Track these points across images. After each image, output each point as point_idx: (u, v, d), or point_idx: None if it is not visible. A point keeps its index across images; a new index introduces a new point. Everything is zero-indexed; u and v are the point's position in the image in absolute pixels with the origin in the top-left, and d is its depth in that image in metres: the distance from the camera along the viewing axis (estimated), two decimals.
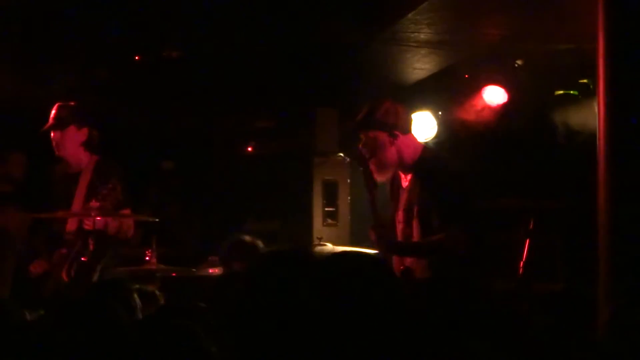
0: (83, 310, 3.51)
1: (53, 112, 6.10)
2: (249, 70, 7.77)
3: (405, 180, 5.20)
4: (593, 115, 5.14)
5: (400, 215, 5.16)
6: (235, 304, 3.28)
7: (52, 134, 6.07)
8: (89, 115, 6.19)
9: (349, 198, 8.18)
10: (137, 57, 7.49)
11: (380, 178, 5.25)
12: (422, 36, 7.17)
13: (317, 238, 6.82)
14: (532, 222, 6.77)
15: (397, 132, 5.14)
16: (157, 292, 5.57)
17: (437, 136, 8.04)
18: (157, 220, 6.28)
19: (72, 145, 6.12)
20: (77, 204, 6.05)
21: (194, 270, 6.51)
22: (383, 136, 5.15)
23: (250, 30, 7.12)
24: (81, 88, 7.38)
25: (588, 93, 7.42)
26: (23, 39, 6.93)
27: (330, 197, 8.09)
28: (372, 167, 5.20)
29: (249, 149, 8.59)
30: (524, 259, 6.76)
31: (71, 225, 6.02)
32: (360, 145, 5.26)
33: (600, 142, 4.83)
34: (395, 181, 5.29)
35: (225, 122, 8.26)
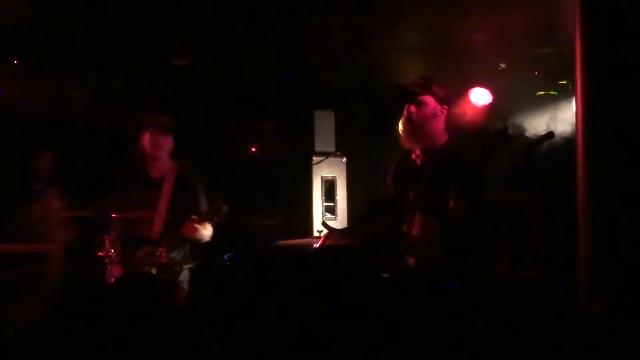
0: (112, 303, 3.64)
1: (161, 119, 6.30)
2: (252, 76, 7.95)
3: (419, 158, 5.14)
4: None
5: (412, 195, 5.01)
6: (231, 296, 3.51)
7: (155, 138, 6.26)
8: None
9: (346, 194, 8.29)
10: (150, 65, 7.64)
11: (408, 146, 5.15)
12: (413, 42, 7.40)
13: (318, 232, 7.02)
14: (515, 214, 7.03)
15: (445, 106, 5.14)
16: (183, 282, 5.93)
17: None
18: (169, 218, 6.28)
19: (167, 151, 6.36)
20: (162, 208, 6.24)
21: None
22: (435, 106, 5.13)
23: (252, 40, 7.27)
24: (99, 94, 7.59)
25: (567, 93, 7.59)
26: (47, 51, 7.15)
27: (329, 193, 8.18)
28: (408, 134, 5.10)
29: (253, 149, 8.70)
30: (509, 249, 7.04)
31: (157, 226, 6.19)
32: (412, 109, 5.11)
33: (579, 139, 5.04)
34: (406, 161, 5.22)
35: (230, 125, 8.37)
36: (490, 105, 7.91)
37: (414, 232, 5.00)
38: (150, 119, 6.35)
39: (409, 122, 5.16)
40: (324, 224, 5.39)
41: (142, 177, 6.37)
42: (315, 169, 8.21)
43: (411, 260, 5.01)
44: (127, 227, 6.19)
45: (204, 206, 6.27)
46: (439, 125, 5.16)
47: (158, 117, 6.36)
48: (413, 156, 5.22)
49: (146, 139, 6.34)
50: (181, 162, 6.45)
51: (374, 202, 5.17)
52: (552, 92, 7.93)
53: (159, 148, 6.32)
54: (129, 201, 6.22)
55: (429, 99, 5.15)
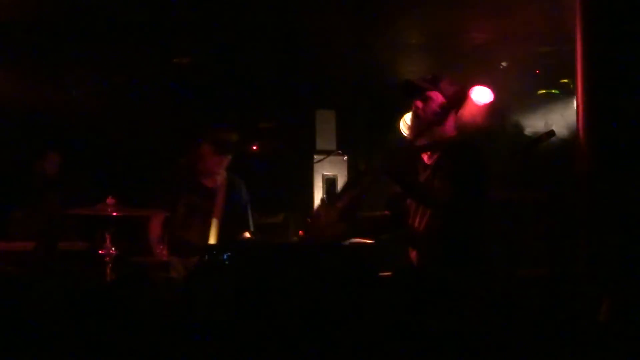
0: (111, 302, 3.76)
1: (230, 139, 6.39)
2: (254, 76, 8.02)
3: (430, 158, 5.01)
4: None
5: None
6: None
7: (220, 159, 6.37)
8: None
9: None
10: (150, 64, 7.68)
11: (417, 142, 4.99)
12: (413, 41, 7.42)
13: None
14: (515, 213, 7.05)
15: (453, 104, 4.99)
16: (181, 279, 5.92)
17: None
18: (169, 215, 6.33)
19: (225, 167, 6.45)
20: (216, 215, 6.35)
21: None
22: (442, 102, 4.99)
23: (253, 40, 7.34)
24: (100, 93, 7.64)
25: (569, 92, 7.62)
26: (49, 50, 7.19)
27: (330, 192, 8.17)
28: (414, 130, 4.98)
29: (254, 148, 8.76)
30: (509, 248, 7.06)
31: (213, 235, 6.27)
32: (418, 104, 5.00)
33: (580, 138, 5.01)
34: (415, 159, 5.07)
35: (232, 124, 7.93)
36: (492, 104, 7.86)
37: (416, 225, 4.95)
38: (218, 137, 6.42)
39: (415, 117, 5.07)
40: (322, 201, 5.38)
41: (196, 184, 6.45)
42: (316, 167, 8.28)
43: (413, 254, 4.98)
44: (177, 230, 6.26)
45: (251, 220, 6.43)
46: (447, 121, 5.06)
47: (226, 136, 6.45)
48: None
49: (208, 152, 6.42)
50: (230, 174, 6.55)
51: (356, 175, 5.16)
52: (553, 91, 7.95)
53: (221, 166, 6.45)
54: (180, 204, 6.32)
55: (436, 95, 5.04)
